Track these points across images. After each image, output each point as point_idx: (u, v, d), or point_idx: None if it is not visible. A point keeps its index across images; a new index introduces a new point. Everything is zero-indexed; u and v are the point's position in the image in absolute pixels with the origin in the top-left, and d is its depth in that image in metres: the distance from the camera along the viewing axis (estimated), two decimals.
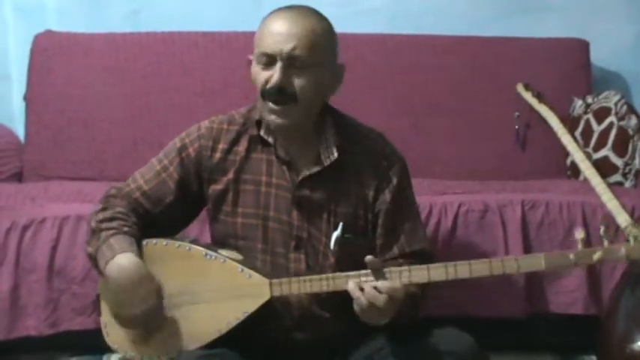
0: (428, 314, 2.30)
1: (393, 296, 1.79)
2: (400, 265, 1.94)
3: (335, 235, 2.00)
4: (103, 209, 2.04)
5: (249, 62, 2.04)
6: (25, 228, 2.63)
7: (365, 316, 1.83)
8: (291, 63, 1.93)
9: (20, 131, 3.47)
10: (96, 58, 3.37)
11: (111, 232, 1.96)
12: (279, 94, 1.93)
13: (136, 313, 1.90)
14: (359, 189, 2.05)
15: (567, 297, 2.70)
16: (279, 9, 2.00)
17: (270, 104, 1.95)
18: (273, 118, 1.97)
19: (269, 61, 1.94)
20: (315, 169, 2.03)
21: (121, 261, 1.91)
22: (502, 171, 3.30)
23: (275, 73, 1.92)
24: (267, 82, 1.94)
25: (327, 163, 2.02)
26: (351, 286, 1.82)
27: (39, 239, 2.62)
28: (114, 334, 2.05)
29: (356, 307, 1.83)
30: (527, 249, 2.68)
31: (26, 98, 3.40)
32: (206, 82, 3.34)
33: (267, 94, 1.95)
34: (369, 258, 1.82)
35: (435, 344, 1.94)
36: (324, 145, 2.04)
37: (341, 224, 2.01)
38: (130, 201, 2.07)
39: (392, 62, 3.44)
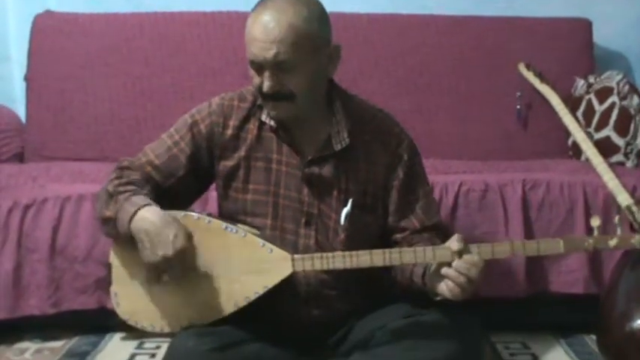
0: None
1: (481, 268, 1.84)
2: (428, 238, 2.04)
3: (345, 211, 2.03)
4: (118, 177, 2.04)
5: None
6: (27, 208, 2.63)
7: (457, 292, 1.84)
8: (279, 67, 1.93)
9: (21, 112, 3.47)
10: (96, 38, 3.37)
11: (129, 193, 1.97)
12: (275, 96, 1.95)
13: (168, 253, 1.88)
14: (369, 167, 2.08)
15: (568, 277, 2.70)
16: (259, 4, 1.97)
17: (270, 104, 1.98)
18: (274, 114, 2.01)
19: (258, 67, 1.96)
20: (327, 151, 2.05)
21: (145, 213, 1.91)
22: (503, 151, 3.31)
23: (266, 81, 1.94)
24: (260, 86, 1.96)
25: (337, 148, 2.05)
26: (446, 270, 1.85)
27: (41, 219, 2.63)
28: (124, 304, 2.04)
29: (449, 286, 1.85)
30: (528, 229, 2.68)
31: (27, 79, 3.40)
32: (207, 62, 3.34)
33: (264, 97, 1.98)
34: (457, 236, 1.85)
35: (435, 322, 1.97)
36: (335, 129, 2.06)
37: (350, 200, 2.03)
38: (142, 174, 2.08)
39: (394, 42, 3.43)
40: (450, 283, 1.84)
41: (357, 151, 2.07)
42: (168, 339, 2.06)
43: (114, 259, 2.06)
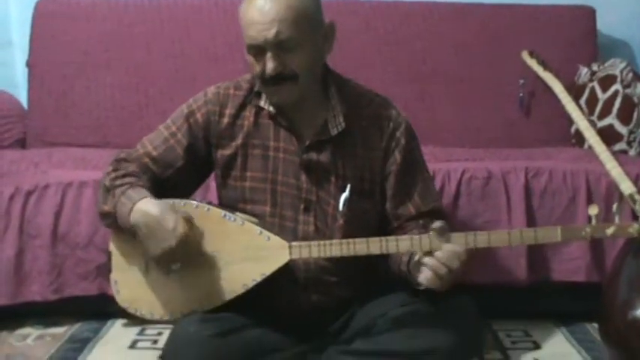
0: None
1: (463, 259, 1.84)
2: (423, 225, 2.02)
3: (343, 197, 2.03)
4: (115, 170, 2.04)
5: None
6: (29, 194, 2.63)
7: (436, 282, 1.85)
8: (280, 47, 1.93)
9: (23, 97, 3.47)
10: (99, 23, 3.36)
11: (126, 186, 1.96)
12: (278, 78, 1.95)
13: (172, 244, 1.87)
14: (366, 152, 2.08)
15: (570, 265, 2.70)
16: None
17: (272, 88, 1.98)
18: (277, 99, 2.02)
19: (258, 51, 1.95)
20: (324, 136, 2.05)
21: (142, 206, 1.91)
22: (506, 138, 3.30)
23: (269, 63, 1.94)
24: (263, 70, 1.96)
25: (334, 132, 2.05)
26: (426, 259, 1.85)
27: (43, 205, 2.63)
28: (124, 292, 2.05)
29: (428, 276, 1.85)
30: (530, 216, 2.68)
31: (29, 64, 3.39)
32: (210, 47, 3.33)
33: (266, 81, 1.97)
34: (436, 224, 1.84)
35: (436, 310, 1.98)
36: (331, 114, 2.06)
37: (349, 186, 2.03)
38: (139, 165, 2.08)
39: (398, 29, 3.42)
40: (428, 272, 1.85)
41: (354, 137, 2.08)
42: (170, 326, 2.06)
43: (114, 248, 2.07)
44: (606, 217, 2.64)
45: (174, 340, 1.96)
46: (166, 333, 2.56)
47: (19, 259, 2.61)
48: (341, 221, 2.05)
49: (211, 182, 2.34)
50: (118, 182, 1.98)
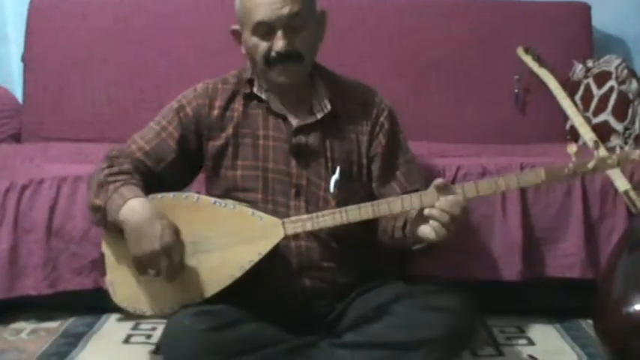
0: (427, 276, 2.32)
1: (464, 206, 1.87)
2: None
3: (334, 178, 2.08)
4: (109, 166, 2.06)
5: (235, 33, 2.14)
6: (24, 188, 2.63)
7: (441, 231, 1.86)
8: (290, 25, 2.00)
9: (18, 92, 3.46)
10: (94, 18, 3.35)
11: (119, 183, 1.99)
12: (287, 56, 2.01)
13: (156, 248, 1.89)
14: (352, 136, 2.15)
15: (564, 261, 2.70)
16: None
17: (278, 68, 2.03)
18: (282, 79, 2.06)
19: (267, 29, 2.01)
20: (310, 119, 2.11)
21: (134, 204, 1.94)
22: (501, 134, 3.30)
23: (279, 41, 2.00)
24: (269, 50, 2.02)
25: (320, 115, 2.12)
26: (427, 211, 1.87)
27: (37, 199, 2.62)
28: (121, 292, 2.06)
29: (433, 225, 1.87)
30: (525, 212, 2.67)
31: (24, 59, 3.38)
32: (205, 43, 3.33)
33: (274, 60, 2.02)
34: (438, 181, 1.87)
35: (430, 301, 1.99)
36: (317, 99, 2.13)
37: (338, 168, 2.09)
38: (133, 161, 2.10)
39: (393, 25, 3.42)
40: (434, 222, 1.87)
41: (340, 121, 2.15)
42: (164, 320, 2.06)
43: (106, 249, 2.08)
44: (602, 212, 2.67)
45: (169, 334, 1.97)
46: (160, 328, 2.56)
47: (14, 253, 2.60)
48: (333, 203, 2.08)
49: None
50: (112, 178, 2.01)
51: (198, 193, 2.07)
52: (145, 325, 2.67)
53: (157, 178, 2.11)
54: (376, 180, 2.17)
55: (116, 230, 1.99)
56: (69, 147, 3.01)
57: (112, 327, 2.68)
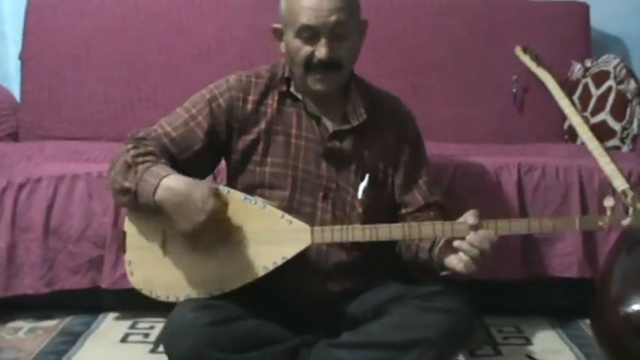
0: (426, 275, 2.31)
1: (494, 241, 1.89)
2: (435, 216, 2.11)
3: (362, 185, 2.09)
4: (135, 147, 2.02)
5: (277, 31, 2.12)
6: (21, 187, 2.63)
7: (470, 265, 1.88)
8: (335, 34, 2.01)
9: (16, 90, 3.46)
10: (92, 16, 3.34)
11: (149, 163, 1.95)
12: (326, 65, 2.01)
13: (202, 219, 1.87)
14: (380, 144, 2.16)
15: (563, 260, 2.70)
16: None
17: (317, 75, 2.04)
18: (319, 87, 2.06)
19: (312, 34, 2.01)
20: (345, 126, 2.12)
21: (168, 182, 1.90)
22: (499, 134, 3.30)
23: (323, 48, 2.00)
24: (311, 55, 2.02)
25: (355, 123, 2.12)
26: (458, 243, 1.89)
27: (35, 198, 2.62)
28: (139, 272, 2.03)
29: (462, 258, 1.88)
30: (523, 212, 2.68)
31: (22, 57, 3.38)
32: (202, 41, 3.32)
33: (314, 67, 2.02)
34: (471, 213, 1.90)
35: (428, 300, 1.99)
36: (351, 106, 2.14)
37: (367, 175, 2.10)
38: (159, 145, 2.07)
39: (391, 23, 3.41)
40: (463, 255, 1.88)
41: (371, 129, 2.15)
42: (163, 319, 2.06)
43: (129, 227, 2.05)
44: (599, 210, 2.67)
45: (171, 326, 1.96)
46: (158, 327, 2.57)
47: (11, 252, 2.60)
48: (359, 209, 2.09)
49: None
50: (140, 159, 1.97)
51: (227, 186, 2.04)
52: (142, 324, 2.67)
53: (178, 166, 2.05)
54: (399, 188, 2.18)
55: (143, 209, 1.96)
56: (66, 145, 3.00)
57: (109, 326, 2.68)
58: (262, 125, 2.12)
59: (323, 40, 2.00)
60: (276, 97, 2.13)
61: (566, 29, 3.46)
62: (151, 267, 2.01)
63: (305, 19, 1.99)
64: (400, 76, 3.33)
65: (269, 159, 2.12)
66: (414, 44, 3.40)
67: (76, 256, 2.62)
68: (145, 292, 2.03)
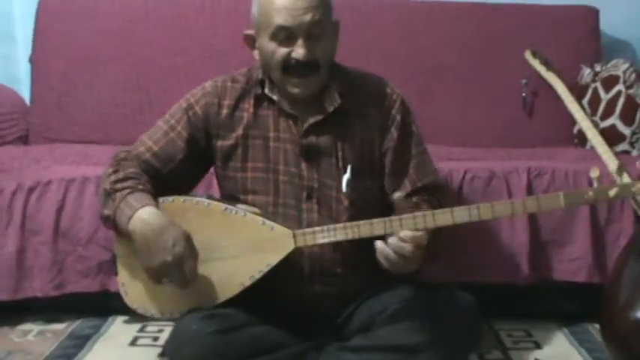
0: (434, 279, 2.31)
1: (419, 243, 1.83)
2: (416, 203, 2.05)
3: (346, 177, 2.06)
4: (115, 171, 2.03)
5: (248, 38, 2.11)
6: (31, 190, 2.63)
7: (394, 267, 1.85)
8: (311, 33, 1.98)
9: (26, 93, 3.46)
10: (102, 20, 3.35)
11: (126, 191, 1.96)
12: (305, 67, 1.99)
13: (168, 260, 1.87)
14: (363, 130, 2.11)
15: (571, 265, 2.69)
16: None
17: (294, 78, 2.01)
18: (297, 91, 2.04)
19: (287, 35, 1.98)
20: (320, 116, 2.08)
21: (142, 215, 1.91)
22: (508, 138, 3.30)
23: (300, 49, 1.98)
24: (288, 57, 1.99)
25: (330, 109, 2.08)
26: (379, 244, 1.85)
27: (44, 201, 2.63)
28: (133, 293, 2.04)
29: (383, 261, 1.86)
30: (532, 216, 2.67)
31: (32, 60, 3.39)
32: (212, 45, 3.33)
33: (292, 69, 2.00)
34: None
35: (436, 304, 2.00)
36: (327, 94, 2.09)
37: (349, 166, 2.07)
38: (140, 162, 2.09)
39: (401, 27, 3.42)
40: (380, 256, 1.86)
41: (351, 116, 2.11)
42: (172, 323, 2.06)
43: (119, 250, 2.06)
44: (609, 216, 2.67)
45: (176, 337, 1.96)
46: (167, 330, 2.56)
47: (21, 255, 2.61)
48: (346, 203, 2.07)
49: (213, 180, 2.34)
50: (119, 186, 1.98)
51: (209, 197, 2.05)
52: (151, 328, 2.67)
53: (164, 179, 2.09)
54: (388, 176, 2.13)
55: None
56: (76, 148, 3.01)
57: (118, 329, 2.68)
58: (240, 131, 2.10)
59: (300, 41, 1.97)
60: (252, 101, 2.12)
61: (576, 34, 3.46)
62: (142, 287, 2.02)
63: (280, 19, 1.97)
64: (410, 80, 3.32)
65: (249, 164, 2.10)
66: (423, 48, 3.40)
67: (86, 259, 2.62)
68: (140, 311, 2.04)
